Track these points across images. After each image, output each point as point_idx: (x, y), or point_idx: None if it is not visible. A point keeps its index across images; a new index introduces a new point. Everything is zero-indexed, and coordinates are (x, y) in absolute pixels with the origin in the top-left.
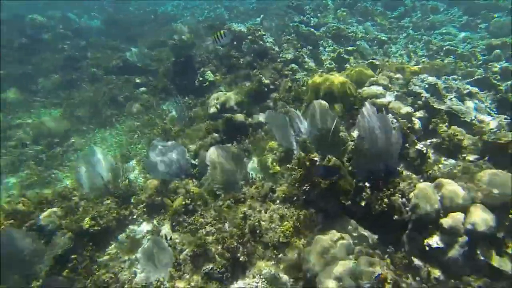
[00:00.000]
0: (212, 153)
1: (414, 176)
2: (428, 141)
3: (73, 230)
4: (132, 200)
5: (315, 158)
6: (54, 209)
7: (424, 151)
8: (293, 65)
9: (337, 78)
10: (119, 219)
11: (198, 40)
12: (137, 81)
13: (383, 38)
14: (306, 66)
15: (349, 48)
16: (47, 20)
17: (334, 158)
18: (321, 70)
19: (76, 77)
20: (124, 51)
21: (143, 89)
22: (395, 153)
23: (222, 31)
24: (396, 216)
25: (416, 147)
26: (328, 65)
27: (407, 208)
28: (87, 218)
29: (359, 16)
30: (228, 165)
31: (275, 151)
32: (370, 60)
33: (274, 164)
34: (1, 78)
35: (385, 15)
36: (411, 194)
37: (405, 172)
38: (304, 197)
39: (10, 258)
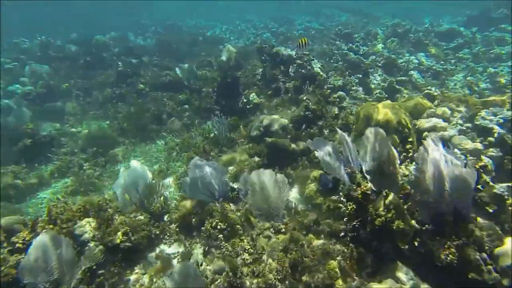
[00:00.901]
0: (255, 177)
1: (495, 226)
2: (505, 184)
3: (104, 244)
4: (165, 218)
5: (368, 192)
6: (89, 219)
7: (505, 196)
8: (340, 92)
9: (391, 107)
10: (150, 237)
11: (245, 62)
12: (181, 98)
13: (439, 69)
14: (355, 95)
15: (401, 78)
16: (108, 40)
17: (392, 194)
18: (370, 99)
19: (125, 92)
20: (171, 69)
21: (186, 106)
22: (467, 194)
23: (306, 39)
24: (473, 274)
25: (494, 190)
26: (378, 95)
27: (491, 267)
28: (119, 233)
29: (411, 46)
30: (270, 192)
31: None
32: (427, 91)
33: (318, 194)
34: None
35: (440, 46)
36: (498, 250)
37: (482, 220)
38: (353, 234)
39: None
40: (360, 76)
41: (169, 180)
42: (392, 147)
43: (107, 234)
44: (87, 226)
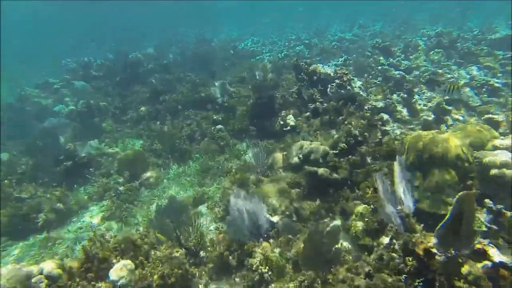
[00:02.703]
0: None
1: None
2: None
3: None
4: (201, 254)
5: (433, 250)
6: (126, 261)
7: None
8: (383, 114)
9: (448, 137)
10: (186, 277)
11: (278, 77)
12: (215, 117)
13: (497, 84)
14: (399, 116)
15: (451, 96)
16: (142, 57)
17: (472, 264)
18: (416, 122)
19: (159, 110)
20: (204, 85)
21: (220, 126)
22: None
23: (456, 86)
24: None
25: None
26: (425, 117)
27: None
28: (156, 276)
29: (459, 58)
30: (319, 239)
31: (366, 217)
32: (488, 115)
33: (365, 234)
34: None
35: (495, 56)
36: None
37: None
38: None
39: None
40: (404, 95)
41: (204, 208)
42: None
43: (143, 278)
44: (123, 270)
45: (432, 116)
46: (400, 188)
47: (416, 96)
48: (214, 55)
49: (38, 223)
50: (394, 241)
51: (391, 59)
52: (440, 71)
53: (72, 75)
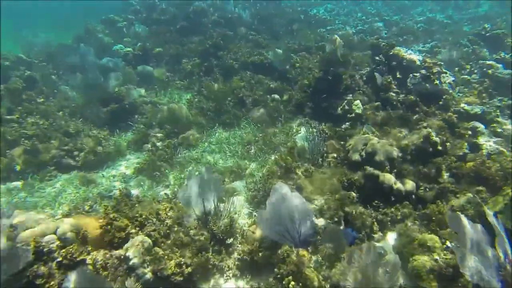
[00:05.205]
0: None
1: None
2: None
3: (154, 271)
4: (228, 241)
5: None
6: (143, 238)
7: None
8: (476, 123)
9: None
10: (207, 267)
11: (351, 57)
12: (272, 85)
13: None
14: (499, 130)
15: None
16: (207, 7)
17: None
18: None
19: (213, 65)
20: (266, 48)
21: (275, 96)
22: None
23: None
24: None
25: None
26: None
27: None
28: (172, 263)
29: None
30: (374, 274)
31: (435, 252)
32: None
33: (431, 276)
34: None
35: None
36: None
37: None
38: None
39: None
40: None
41: (241, 185)
42: None
43: (158, 260)
44: (139, 248)
45: None
46: (503, 242)
47: None
48: (282, 17)
49: (78, 161)
50: None
51: (503, 54)
52: None
53: (135, 15)
